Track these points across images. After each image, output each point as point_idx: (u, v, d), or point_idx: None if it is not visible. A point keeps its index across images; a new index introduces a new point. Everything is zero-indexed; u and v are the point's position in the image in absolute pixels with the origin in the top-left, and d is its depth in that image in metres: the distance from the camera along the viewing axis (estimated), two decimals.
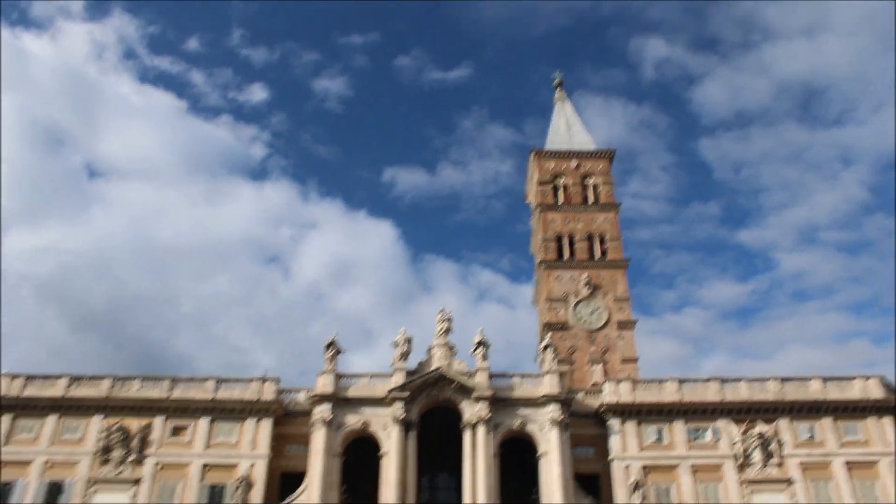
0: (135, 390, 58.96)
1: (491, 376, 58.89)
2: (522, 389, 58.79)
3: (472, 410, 56.96)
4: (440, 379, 58.14)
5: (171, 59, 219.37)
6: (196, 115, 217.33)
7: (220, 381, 59.66)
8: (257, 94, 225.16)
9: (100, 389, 58.78)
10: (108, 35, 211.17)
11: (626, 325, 77.39)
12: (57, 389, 58.78)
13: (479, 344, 60.49)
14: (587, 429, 59.10)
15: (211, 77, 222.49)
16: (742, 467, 56.02)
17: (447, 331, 61.78)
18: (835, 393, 58.77)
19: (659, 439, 57.51)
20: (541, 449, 56.30)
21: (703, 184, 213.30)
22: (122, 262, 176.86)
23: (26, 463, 55.72)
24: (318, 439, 55.97)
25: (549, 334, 68.02)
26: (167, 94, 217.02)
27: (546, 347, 61.10)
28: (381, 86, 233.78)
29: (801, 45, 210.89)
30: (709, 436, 57.58)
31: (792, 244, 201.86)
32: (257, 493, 54.98)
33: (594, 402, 60.12)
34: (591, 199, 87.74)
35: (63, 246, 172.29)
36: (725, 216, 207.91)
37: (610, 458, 56.90)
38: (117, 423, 57.17)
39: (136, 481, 55.45)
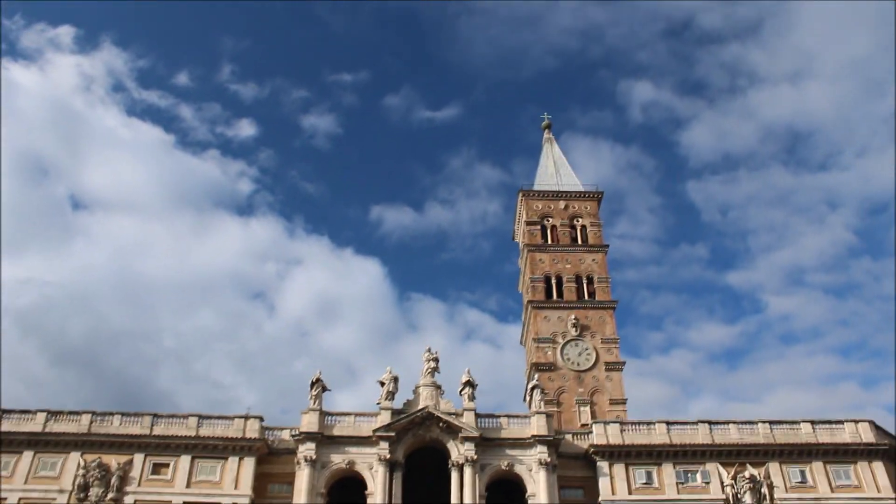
0: (115, 426, 58.70)
1: (478, 416, 59.27)
2: (510, 430, 59.21)
3: (459, 451, 57.17)
4: (427, 418, 58.35)
5: (160, 93, 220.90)
6: (183, 150, 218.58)
7: (202, 418, 59.52)
8: (245, 129, 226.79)
9: (79, 425, 58.46)
10: (97, 68, 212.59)
11: (614, 367, 78.20)
12: (35, 424, 58.43)
13: (467, 384, 60.89)
14: (576, 471, 59.14)
15: (199, 112, 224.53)
16: None
17: (434, 370, 62.07)
18: (826, 437, 59.37)
19: (648, 482, 57.66)
20: (529, 490, 56.48)
21: (690, 226, 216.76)
22: (103, 295, 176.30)
23: (0, 500, 55.08)
24: (302, 479, 55.95)
25: (537, 375, 69.06)
26: (155, 127, 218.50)
27: (534, 388, 61.72)
28: (370, 124, 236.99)
29: (787, 91, 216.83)
30: (698, 479, 57.81)
31: (779, 286, 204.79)
32: None
33: (583, 444, 60.33)
34: (579, 239, 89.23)
35: (44, 278, 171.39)
36: (713, 258, 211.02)
37: (599, 500, 56.93)
38: (96, 459, 56.60)
39: None
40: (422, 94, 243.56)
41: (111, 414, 59.57)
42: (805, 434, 59.64)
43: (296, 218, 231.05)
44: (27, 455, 57.30)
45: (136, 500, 55.77)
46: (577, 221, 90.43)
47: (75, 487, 55.77)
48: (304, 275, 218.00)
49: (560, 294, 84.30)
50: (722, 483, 57.34)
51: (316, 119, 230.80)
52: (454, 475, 56.58)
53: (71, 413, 59.46)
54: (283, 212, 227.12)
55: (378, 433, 57.53)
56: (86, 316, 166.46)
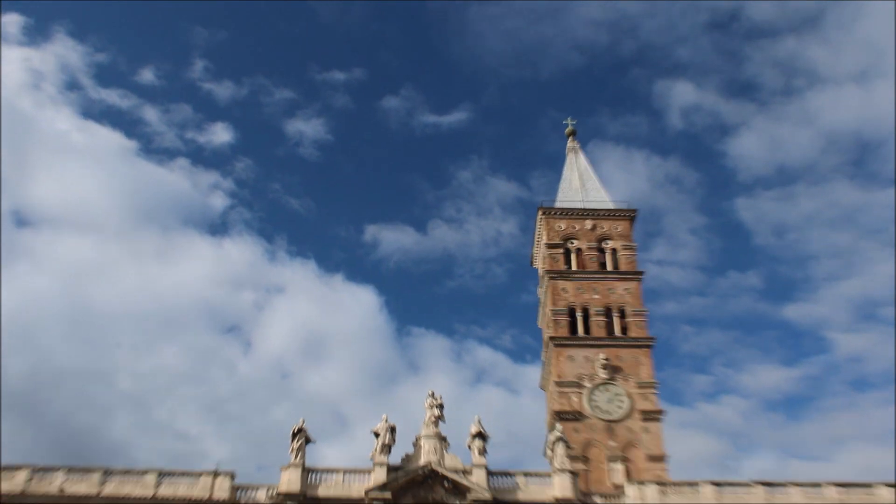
0: (58, 484, 56.54)
1: (490, 474, 57.89)
2: (528, 491, 57.66)
3: None
4: (429, 476, 56.90)
5: (121, 93, 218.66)
6: (147, 158, 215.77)
7: (162, 475, 57.67)
8: (220, 135, 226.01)
9: (14, 483, 56.16)
10: (48, 62, 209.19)
11: (651, 416, 75.90)
12: None
13: (477, 435, 59.76)
14: None
15: (167, 114, 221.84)
16: None
17: (438, 419, 61.05)
18: None
19: None
20: None
21: (740, 250, 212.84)
22: (49, 327, 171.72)
23: None
24: None
25: (560, 425, 66.92)
26: (114, 132, 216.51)
27: (556, 441, 60.21)
28: (365, 130, 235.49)
29: (852, 92, 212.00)
30: None
31: (847, 322, 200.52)
32: None
33: None
34: (609, 265, 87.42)
35: None
36: (767, 288, 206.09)
37: None
38: None
39: None
40: (425, 95, 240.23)
41: (53, 469, 57.45)
42: (883, 499, 57.41)
43: (277, 238, 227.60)
44: None
45: None
46: (607, 244, 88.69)
47: None
48: (287, 305, 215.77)
49: (587, 329, 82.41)
50: None
51: (302, 124, 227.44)
52: None
53: (5, 468, 57.07)
54: (262, 231, 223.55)
55: (371, 494, 55.96)
56: (26, 352, 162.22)
